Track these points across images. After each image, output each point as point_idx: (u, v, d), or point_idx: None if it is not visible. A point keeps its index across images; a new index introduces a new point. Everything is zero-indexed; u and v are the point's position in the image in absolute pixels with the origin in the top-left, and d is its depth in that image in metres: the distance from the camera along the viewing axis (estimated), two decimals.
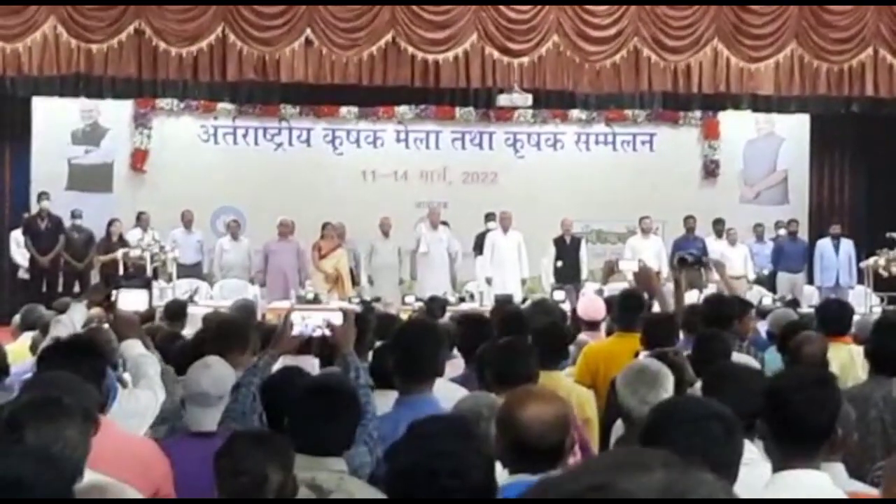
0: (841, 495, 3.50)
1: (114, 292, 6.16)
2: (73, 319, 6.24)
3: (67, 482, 2.59)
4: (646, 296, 8.35)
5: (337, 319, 5.19)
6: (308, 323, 5.23)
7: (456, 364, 6.65)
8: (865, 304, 15.55)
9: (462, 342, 6.98)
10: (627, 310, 7.83)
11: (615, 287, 15.09)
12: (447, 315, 11.46)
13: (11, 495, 2.35)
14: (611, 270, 15.77)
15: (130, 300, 6.23)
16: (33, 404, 3.00)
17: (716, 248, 17.37)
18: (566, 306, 11.71)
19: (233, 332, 6.04)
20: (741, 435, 3.28)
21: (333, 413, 4.21)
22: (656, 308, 8.17)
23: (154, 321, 9.73)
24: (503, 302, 13.53)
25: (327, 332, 5.19)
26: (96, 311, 6.73)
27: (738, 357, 6.48)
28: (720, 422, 3.22)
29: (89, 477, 3.37)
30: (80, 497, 2.86)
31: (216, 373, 4.95)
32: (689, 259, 8.99)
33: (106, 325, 6.41)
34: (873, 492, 3.73)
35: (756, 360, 6.69)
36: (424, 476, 3.29)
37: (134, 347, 5.74)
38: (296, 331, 5.24)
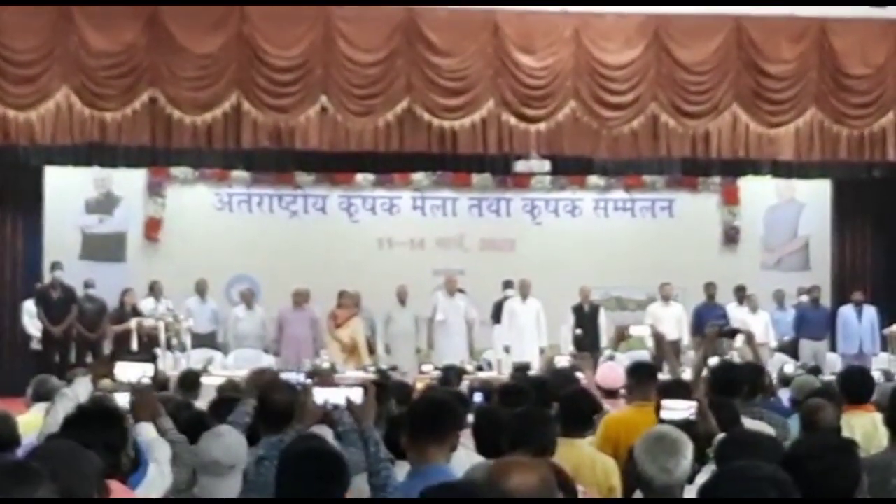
0: None
1: (116, 364, 6.25)
2: (77, 392, 6.35)
3: None
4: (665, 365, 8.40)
5: (357, 396, 5.27)
6: (329, 400, 5.31)
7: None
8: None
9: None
10: (641, 380, 7.83)
11: (631, 355, 14.97)
12: (464, 384, 11.30)
13: None
14: (621, 336, 15.63)
15: (131, 372, 6.29)
16: (2, 469, 3.20)
17: (737, 315, 17.25)
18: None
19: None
20: (797, 499, 3.27)
21: (320, 478, 4.24)
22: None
23: (168, 391, 9.69)
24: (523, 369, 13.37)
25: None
26: (106, 382, 6.84)
27: (752, 424, 6.54)
28: (774, 485, 3.21)
29: None
30: None
31: (227, 441, 5.01)
32: (726, 330, 9.04)
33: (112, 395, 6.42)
34: None
35: (770, 426, 6.69)
36: None
37: (148, 432, 5.81)
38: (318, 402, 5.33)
